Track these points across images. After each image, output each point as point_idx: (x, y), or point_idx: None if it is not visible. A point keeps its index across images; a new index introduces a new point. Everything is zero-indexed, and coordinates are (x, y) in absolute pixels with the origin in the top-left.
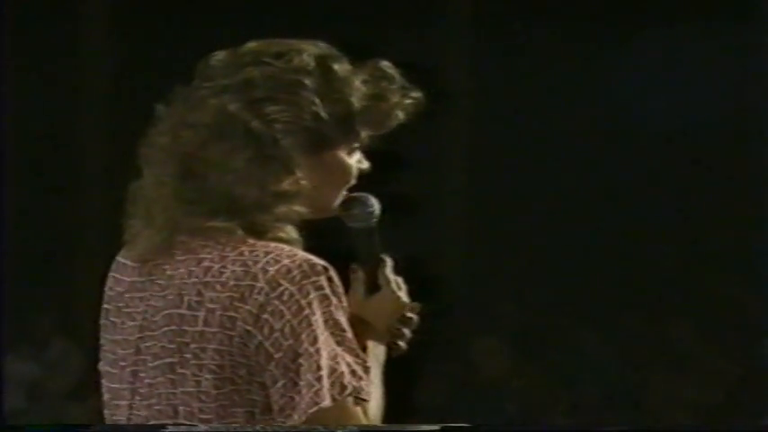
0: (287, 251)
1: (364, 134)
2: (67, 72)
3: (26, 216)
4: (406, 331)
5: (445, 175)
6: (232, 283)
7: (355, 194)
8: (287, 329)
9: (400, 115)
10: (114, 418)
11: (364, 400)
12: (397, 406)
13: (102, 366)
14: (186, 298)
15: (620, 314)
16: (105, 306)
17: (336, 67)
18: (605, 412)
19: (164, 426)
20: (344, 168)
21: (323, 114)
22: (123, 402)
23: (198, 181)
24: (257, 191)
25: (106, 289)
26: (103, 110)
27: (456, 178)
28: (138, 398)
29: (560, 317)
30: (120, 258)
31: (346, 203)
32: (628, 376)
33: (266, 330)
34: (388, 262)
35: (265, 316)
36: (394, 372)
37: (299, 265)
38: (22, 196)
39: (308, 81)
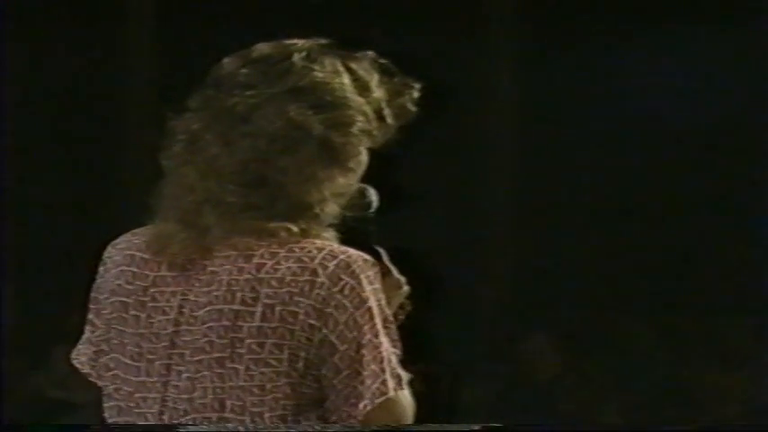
0: (337, 247)
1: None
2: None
3: (67, 214)
4: (401, 318)
5: (494, 173)
6: (289, 278)
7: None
8: (351, 322)
9: (413, 107)
10: (137, 410)
11: (402, 389)
12: (447, 404)
13: (119, 359)
14: (239, 294)
15: (672, 311)
16: (122, 299)
17: (355, 66)
18: (658, 410)
19: (174, 426)
20: (364, 161)
21: (370, 114)
22: (153, 395)
23: (270, 188)
24: (328, 194)
25: (120, 282)
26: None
27: (505, 175)
28: (173, 391)
29: (612, 314)
30: (135, 253)
31: None
32: (680, 374)
33: (331, 324)
34: (383, 251)
35: (329, 310)
36: (445, 370)
37: (355, 260)
38: (63, 195)
39: (347, 82)
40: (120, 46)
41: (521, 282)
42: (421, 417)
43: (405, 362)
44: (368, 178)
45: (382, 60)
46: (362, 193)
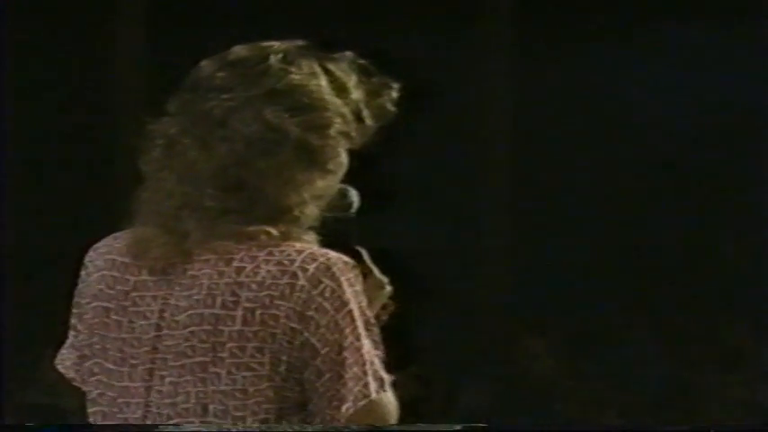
0: (317, 250)
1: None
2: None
3: (67, 217)
4: (385, 318)
5: (492, 174)
6: (269, 282)
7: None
8: (331, 324)
9: (392, 108)
10: (121, 415)
11: (385, 391)
12: (449, 406)
13: (102, 364)
14: (220, 298)
15: (672, 312)
16: (103, 304)
17: (332, 67)
18: (657, 411)
19: (158, 426)
20: (344, 162)
21: (348, 116)
22: (136, 400)
23: (248, 192)
24: (308, 196)
25: (102, 287)
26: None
27: (504, 177)
28: (156, 395)
29: (612, 316)
30: (116, 257)
31: None
32: (680, 375)
33: (312, 327)
34: (364, 252)
35: (310, 313)
36: (446, 371)
37: (335, 263)
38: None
39: (324, 84)
40: (113, 48)
41: (519, 283)
42: (417, 418)
43: (399, 365)
44: (365, 179)
45: (361, 60)
46: (343, 194)
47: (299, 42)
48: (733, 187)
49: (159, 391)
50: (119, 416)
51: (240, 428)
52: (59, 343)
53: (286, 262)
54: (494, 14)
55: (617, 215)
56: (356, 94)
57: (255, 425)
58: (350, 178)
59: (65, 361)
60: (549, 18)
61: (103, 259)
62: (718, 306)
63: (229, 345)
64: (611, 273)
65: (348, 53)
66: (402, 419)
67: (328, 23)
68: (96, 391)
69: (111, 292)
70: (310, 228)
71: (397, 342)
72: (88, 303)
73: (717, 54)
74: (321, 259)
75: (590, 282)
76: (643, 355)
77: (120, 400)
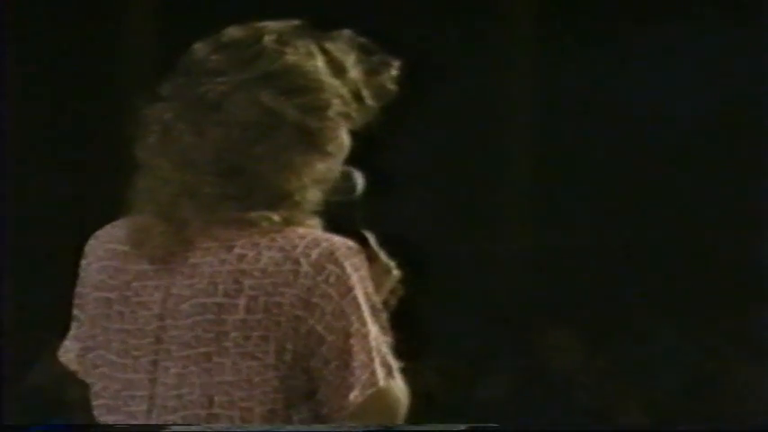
0: (320, 234)
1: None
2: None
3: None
4: (393, 303)
5: (512, 167)
6: (272, 268)
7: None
8: (337, 311)
9: (393, 87)
10: (125, 408)
11: (393, 378)
12: (466, 398)
13: (104, 356)
14: (221, 287)
15: (698, 303)
16: (105, 295)
17: (329, 46)
18: (682, 405)
19: (164, 426)
20: (346, 143)
21: (347, 96)
22: (141, 393)
23: (246, 177)
24: (308, 180)
25: (103, 278)
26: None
27: (525, 169)
28: (161, 387)
29: (635, 309)
30: (117, 246)
31: None
32: (705, 369)
33: (317, 314)
34: (370, 235)
35: (314, 300)
36: (465, 363)
37: (339, 248)
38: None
39: (320, 65)
40: (118, 41)
41: (540, 275)
42: (436, 411)
43: (415, 355)
44: (379, 162)
45: (360, 38)
46: (347, 177)
47: (295, 22)
48: (755, 178)
49: (164, 384)
50: (123, 409)
51: (245, 428)
52: (62, 334)
53: (288, 248)
54: (514, 3)
55: (640, 207)
56: (354, 74)
57: (263, 415)
58: (358, 160)
59: (68, 353)
60: (570, 9)
61: (104, 248)
62: (744, 298)
63: (233, 334)
64: (634, 264)
65: (346, 31)
66: (418, 411)
67: (345, 14)
68: (100, 384)
69: (113, 282)
70: (314, 212)
71: (414, 332)
72: (89, 294)
73: (735, 54)
74: (324, 244)
75: (613, 273)
76: (667, 348)
77: (124, 393)
